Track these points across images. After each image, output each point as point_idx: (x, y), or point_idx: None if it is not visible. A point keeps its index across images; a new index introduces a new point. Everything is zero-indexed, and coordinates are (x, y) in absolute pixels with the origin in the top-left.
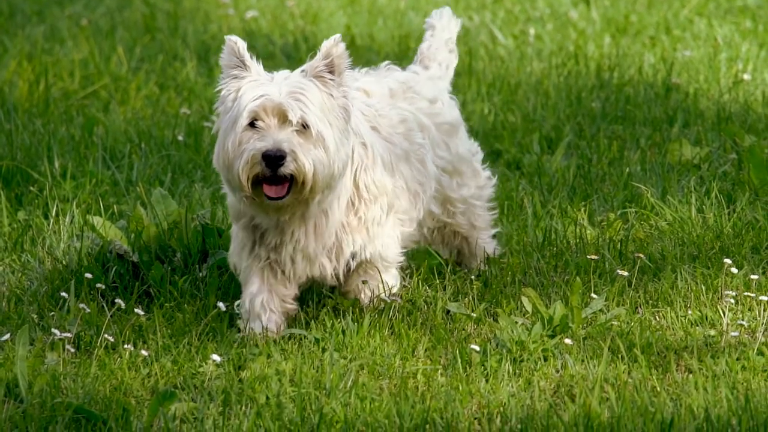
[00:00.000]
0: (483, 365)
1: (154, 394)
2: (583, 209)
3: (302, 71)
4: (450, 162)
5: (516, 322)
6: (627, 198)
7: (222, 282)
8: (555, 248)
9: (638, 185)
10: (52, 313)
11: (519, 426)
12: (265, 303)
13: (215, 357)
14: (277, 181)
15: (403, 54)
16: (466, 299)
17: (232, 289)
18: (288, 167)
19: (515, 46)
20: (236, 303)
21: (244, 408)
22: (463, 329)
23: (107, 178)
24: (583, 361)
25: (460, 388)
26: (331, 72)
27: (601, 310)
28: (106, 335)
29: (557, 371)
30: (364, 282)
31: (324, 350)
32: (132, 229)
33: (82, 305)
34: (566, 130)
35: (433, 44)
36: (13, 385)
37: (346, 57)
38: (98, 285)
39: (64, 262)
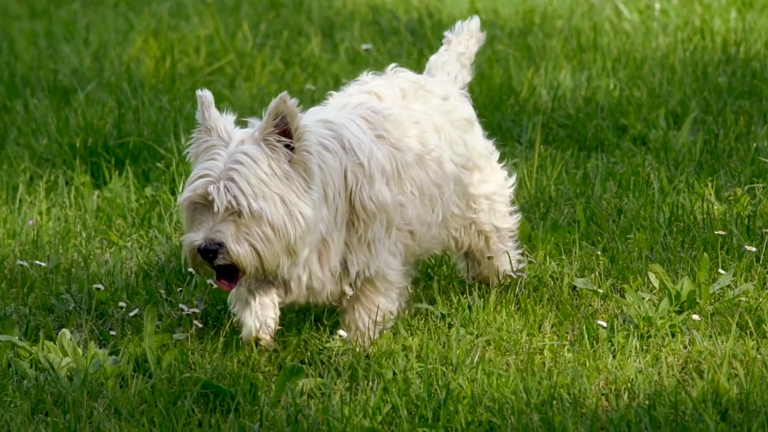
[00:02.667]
0: (610, 341)
1: (282, 369)
2: (710, 184)
3: (253, 134)
4: (469, 158)
5: (643, 298)
6: (754, 173)
7: None
8: (682, 224)
9: (765, 160)
10: (180, 288)
11: (647, 402)
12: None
13: (342, 333)
14: (222, 270)
15: (528, 29)
16: (593, 275)
17: None
18: (223, 259)
19: (640, 21)
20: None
21: (370, 383)
22: (590, 305)
23: None
24: (711, 336)
25: (587, 364)
26: (283, 132)
27: (728, 286)
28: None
29: (685, 347)
30: (358, 303)
31: (450, 326)
32: None
33: (209, 281)
34: (692, 105)
35: (443, 57)
36: (142, 360)
37: (297, 112)
38: None
39: None
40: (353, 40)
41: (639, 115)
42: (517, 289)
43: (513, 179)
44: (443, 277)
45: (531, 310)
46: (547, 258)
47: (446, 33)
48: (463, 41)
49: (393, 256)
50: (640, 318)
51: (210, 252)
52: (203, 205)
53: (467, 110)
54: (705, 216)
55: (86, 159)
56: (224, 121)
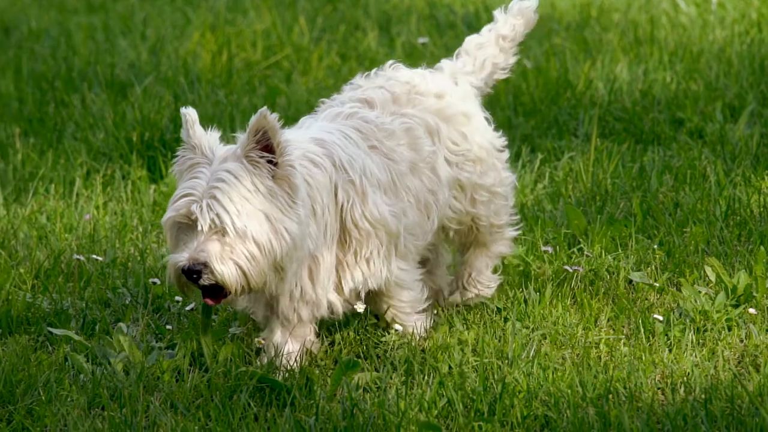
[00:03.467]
0: (666, 335)
1: (338, 363)
2: (766, 177)
3: (235, 151)
4: (470, 150)
5: (699, 292)
6: None
7: None
8: (738, 217)
9: None
10: None
11: (703, 396)
12: (290, 352)
13: (397, 327)
14: (207, 289)
15: (585, 23)
16: (649, 269)
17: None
18: (207, 279)
19: (697, 14)
20: (259, 338)
21: (426, 377)
22: (646, 299)
23: None
24: (767, 330)
25: (643, 357)
26: (265, 147)
27: None
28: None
29: (741, 341)
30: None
31: (506, 320)
32: None
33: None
34: (749, 98)
35: (482, 38)
36: (198, 354)
37: (278, 127)
38: None
39: None
40: (410, 34)
41: (696, 109)
42: (573, 282)
43: (512, 179)
44: (499, 271)
45: (587, 304)
46: (603, 252)
47: (496, 11)
48: (510, 21)
49: (404, 260)
50: (696, 312)
51: (194, 272)
52: (187, 224)
53: (465, 105)
54: (762, 209)
55: (143, 153)
56: (208, 139)
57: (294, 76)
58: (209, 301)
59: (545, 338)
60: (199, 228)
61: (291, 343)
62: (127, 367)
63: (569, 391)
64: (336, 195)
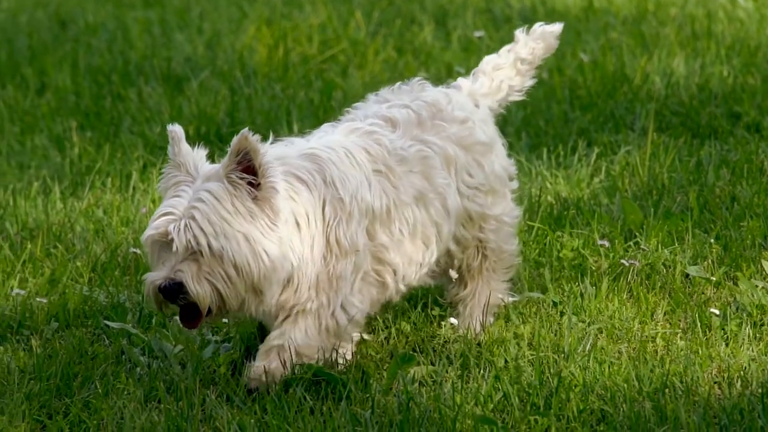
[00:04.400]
0: (723, 329)
1: (393, 357)
2: None
3: (218, 170)
4: (484, 182)
5: (756, 286)
6: None
7: None
8: None
9: None
10: None
11: (760, 390)
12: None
13: (453, 320)
14: (185, 309)
15: (641, 17)
16: (706, 262)
17: None
18: (182, 299)
19: (755, 8)
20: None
21: (482, 371)
22: (703, 293)
23: None
24: None
25: (700, 351)
26: (246, 168)
27: None
28: None
29: None
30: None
31: (562, 314)
32: None
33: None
34: None
35: (499, 60)
36: (254, 347)
37: (260, 148)
38: None
39: None
40: (466, 27)
41: (753, 103)
42: (630, 277)
43: (518, 212)
44: (555, 265)
45: (643, 297)
46: (660, 246)
47: (517, 31)
48: (530, 45)
49: (356, 298)
50: (753, 306)
51: (170, 292)
52: (166, 243)
53: (486, 133)
54: None
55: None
56: (194, 157)
57: (350, 70)
58: (187, 326)
59: (601, 332)
60: (174, 248)
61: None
62: (183, 360)
63: (625, 385)
64: (324, 211)
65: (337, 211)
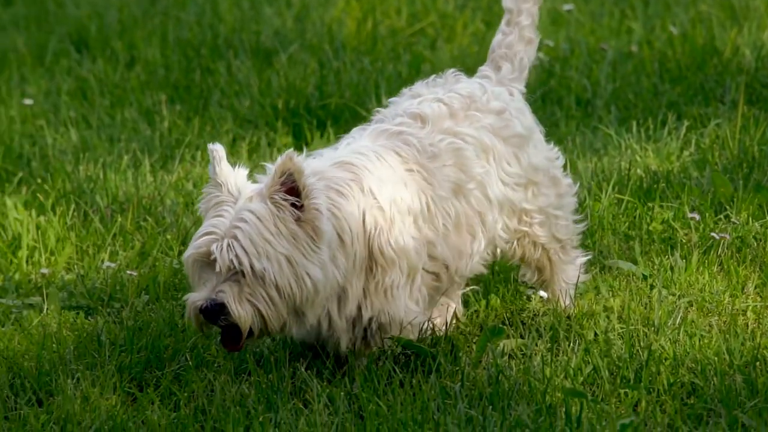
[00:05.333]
0: None
1: (483, 330)
2: None
3: (261, 191)
4: (522, 175)
5: None
6: None
7: None
8: None
9: None
10: None
11: None
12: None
13: (542, 294)
14: (226, 330)
15: None
16: None
17: None
18: (224, 320)
19: None
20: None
21: (572, 344)
22: None
23: None
24: None
25: None
26: (290, 190)
27: None
28: None
29: None
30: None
31: (652, 287)
32: None
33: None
34: None
35: (507, 38)
36: None
37: (304, 169)
38: None
39: None
40: (554, 0)
41: None
42: (720, 250)
43: (575, 188)
44: (645, 238)
45: (734, 271)
46: (750, 219)
47: (504, 1)
48: (522, 6)
49: (415, 303)
50: None
51: (212, 313)
52: (207, 263)
53: (525, 122)
54: None
55: (288, 120)
56: (235, 176)
57: (438, 43)
58: (229, 348)
59: (691, 305)
60: (217, 269)
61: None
62: None
63: (716, 358)
64: (364, 222)
65: (378, 220)
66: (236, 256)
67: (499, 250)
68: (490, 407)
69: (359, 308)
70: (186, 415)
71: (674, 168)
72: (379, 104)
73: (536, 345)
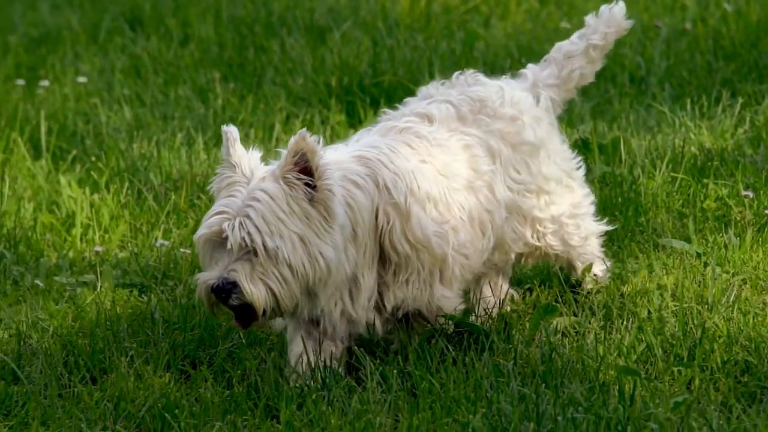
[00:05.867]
0: None
1: (536, 307)
2: None
3: (273, 171)
4: (532, 182)
5: None
6: None
7: (602, 197)
8: None
9: None
10: None
11: None
12: (310, 365)
13: (596, 271)
14: (238, 310)
15: None
16: None
17: (615, 205)
18: (237, 299)
19: None
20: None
21: (625, 322)
22: None
23: None
24: None
25: None
26: (303, 170)
27: None
28: None
29: None
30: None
31: (706, 265)
32: None
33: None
34: None
35: (573, 47)
36: None
37: (317, 149)
38: None
39: None
40: None
41: None
42: None
43: (591, 197)
44: (698, 216)
45: None
46: None
47: (588, 17)
48: (602, 30)
49: (449, 287)
50: None
51: (224, 292)
52: (219, 242)
53: (536, 133)
54: None
55: (342, 98)
56: (249, 158)
57: (492, 20)
58: (236, 322)
59: (745, 283)
60: (229, 246)
61: (312, 358)
62: None
63: None
64: (376, 217)
65: (391, 216)
66: (248, 233)
67: (513, 256)
68: (543, 385)
69: (382, 298)
70: (239, 392)
71: (728, 145)
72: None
73: (589, 323)
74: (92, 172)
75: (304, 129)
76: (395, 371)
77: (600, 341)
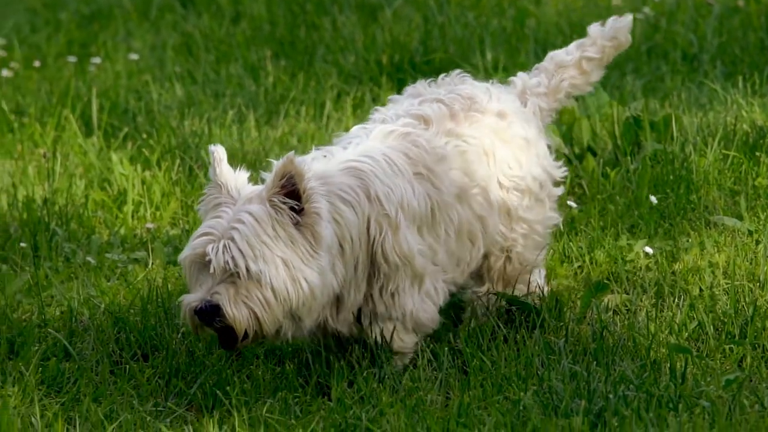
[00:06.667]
0: None
1: (587, 285)
2: None
3: (260, 193)
4: (522, 179)
5: None
6: None
7: (654, 174)
8: None
9: None
10: None
11: None
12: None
13: (647, 249)
14: (222, 332)
15: None
16: None
17: (666, 182)
18: (219, 322)
19: None
20: None
21: (676, 300)
22: None
23: None
24: None
25: None
26: (290, 192)
27: None
28: None
29: None
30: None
31: (758, 242)
32: (563, 121)
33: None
34: None
35: (566, 57)
36: None
37: (305, 173)
38: None
39: None
40: None
41: None
42: None
43: (556, 221)
44: (750, 194)
45: None
46: None
47: (591, 27)
48: (600, 43)
49: (429, 299)
50: None
51: (207, 314)
52: (204, 264)
53: (526, 131)
54: None
55: (393, 76)
56: (236, 178)
57: None
58: (222, 344)
59: None
60: (211, 270)
61: None
62: None
63: None
64: (368, 229)
65: (383, 227)
66: (232, 257)
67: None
68: (594, 363)
69: (360, 312)
70: (290, 369)
71: None
72: (484, 59)
73: (641, 301)
74: (144, 150)
75: (292, 152)
76: (446, 349)
77: (651, 319)
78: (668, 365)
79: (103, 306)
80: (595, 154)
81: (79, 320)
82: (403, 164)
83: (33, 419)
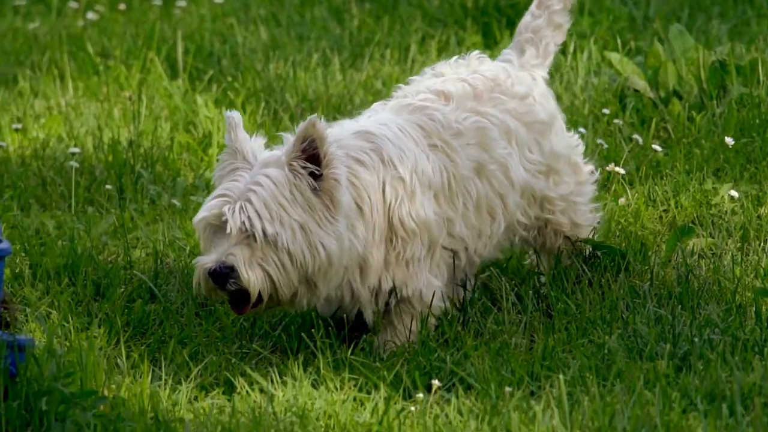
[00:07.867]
0: None
1: (672, 229)
2: None
3: (279, 157)
4: (543, 163)
5: None
6: None
7: (739, 118)
8: None
9: None
10: None
11: None
12: None
13: (733, 193)
14: (235, 296)
15: None
16: None
17: (752, 126)
18: (234, 284)
19: None
20: None
21: (762, 244)
22: None
23: (624, 14)
24: None
25: None
26: (310, 157)
27: None
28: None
29: None
30: (390, 326)
31: None
32: (649, 65)
33: (599, 141)
34: None
35: (536, 20)
36: None
37: (327, 137)
38: (615, 121)
39: (581, 98)
40: None
41: None
42: None
43: (595, 175)
44: None
45: None
46: None
47: None
48: None
49: (435, 277)
50: None
51: (221, 276)
52: (219, 226)
53: (548, 109)
54: None
55: (477, 19)
56: (251, 144)
57: None
58: (233, 308)
59: None
60: (228, 230)
61: None
62: None
63: None
64: (384, 192)
65: (398, 191)
66: (248, 218)
67: (517, 238)
68: (680, 307)
69: (380, 279)
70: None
71: None
72: None
73: (726, 244)
74: (228, 92)
75: (314, 115)
76: (531, 292)
77: (737, 263)
78: (753, 309)
79: (188, 248)
80: (680, 98)
81: (165, 262)
82: (416, 134)
83: (119, 360)
